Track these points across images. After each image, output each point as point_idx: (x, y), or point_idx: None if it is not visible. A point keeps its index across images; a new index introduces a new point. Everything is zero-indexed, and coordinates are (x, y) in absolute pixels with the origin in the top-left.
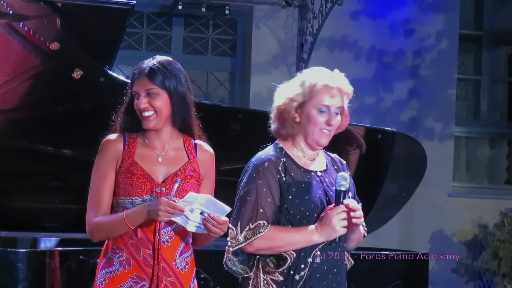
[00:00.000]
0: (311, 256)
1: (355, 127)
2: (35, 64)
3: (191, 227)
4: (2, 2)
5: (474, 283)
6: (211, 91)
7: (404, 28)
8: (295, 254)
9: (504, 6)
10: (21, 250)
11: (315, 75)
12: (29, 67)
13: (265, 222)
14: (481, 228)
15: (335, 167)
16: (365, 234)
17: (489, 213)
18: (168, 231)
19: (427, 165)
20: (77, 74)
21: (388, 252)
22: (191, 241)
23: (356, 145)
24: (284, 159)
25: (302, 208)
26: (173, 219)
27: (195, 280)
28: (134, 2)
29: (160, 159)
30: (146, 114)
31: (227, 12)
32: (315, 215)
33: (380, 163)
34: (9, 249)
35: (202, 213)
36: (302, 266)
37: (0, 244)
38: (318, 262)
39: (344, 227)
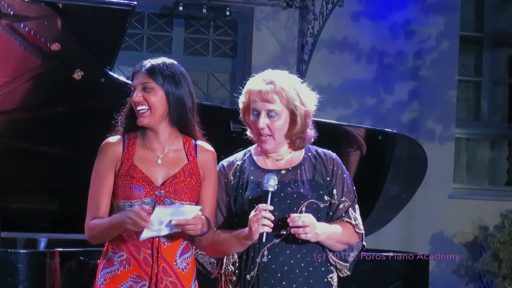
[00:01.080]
0: (259, 256)
1: (355, 128)
2: (36, 65)
3: (164, 233)
4: (2, 2)
5: (474, 285)
6: (211, 92)
7: (404, 30)
8: (236, 256)
9: (504, 8)
10: (22, 251)
11: (252, 79)
12: (29, 68)
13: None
14: (482, 230)
15: (315, 163)
16: (359, 231)
17: (490, 214)
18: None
19: (427, 166)
20: (78, 75)
21: (387, 253)
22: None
23: (357, 147)
24: (240, 162)
25: (245, 208)
26: (144, 235)
27: (196, 281)
28: (135, 3)
29: (159, 161)
30: (139, 108)
31: (227, 13)
32: None
33: (381, 165)
34: (9, 250)
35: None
36: (252, 266)
37: (0, 245)
38: (265, 261)
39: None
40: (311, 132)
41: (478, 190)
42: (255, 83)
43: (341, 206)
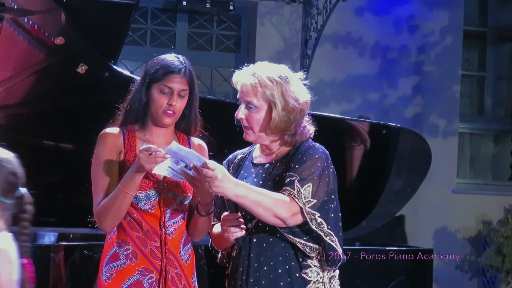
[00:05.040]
0: (233, 250)
1: (359, 122)
2: (40, 59)
3: (175, 176)
4: None
5: (478, 280)
6: (215, 87)
7: (408, 24)
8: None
9: (508, 3)
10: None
11: (239, 70)
12: (34, 62)
13: (215, 219)
14: (485, 225)
15: (289, 159)
16: (299, 202)
17: (493, 209)
18: (172, 223)
19: (431, 160)
20: (82, 69)
21: (390, 248)
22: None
23: (361, 141)
24: (241, 156)
25: (226, 201)
26: (156, 169)
27: (195, 273)
28: None
29: None
30: (170, 111)
31: (231, 8)
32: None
33: (385, 159)
34: None
35: (186, 166)
36: (230, 260)
37: None
38: (234, 256)
39: None
40: (307, 129)
41: (482, 185)
42: (239, 74)
43: (287, 180)
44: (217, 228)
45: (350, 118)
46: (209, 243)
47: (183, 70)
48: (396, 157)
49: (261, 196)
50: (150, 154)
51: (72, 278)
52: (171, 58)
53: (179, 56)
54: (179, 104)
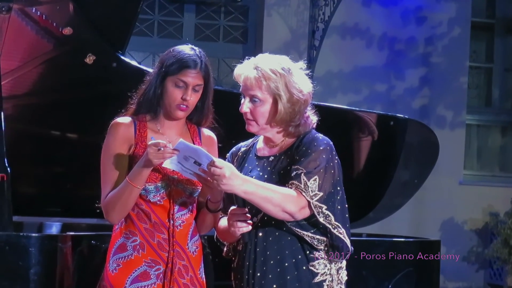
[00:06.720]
0: (240, 245)
1: (367, 113)
2: (48, 49)
3: (184, 172)
4: None
5: (484, 271)
6: (222, 78)
7: (416, 16)
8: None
9: None
10: (34, 235)
11: (243, 63)
12: (41, 52)
13: (221, 213)
14: (492, 216)
15: (294, 151)
16: (306, 196)
17: (500, 201)
18: (180, 216)
19: (439, 152)
20: (89, 59)
21: (398, 239)
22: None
23: (368, 132)
24: (245, 149)
25: (233, 195)
26: (166, 163)
27: (203, 264)
28: None
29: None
30: (183, 106)
31: None
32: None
33: (392, 150)
34: (21, 234)
35: (195, 162)
36: (236, 253)
37: (12, 229)
38: (240, 249)
39: None
40: (310, 119)
41: (489, 177)
42: (241, 67)
43: (293, 173)
44: (223, 222)
45: (357, 109)
46: (215, 236)
47: (199, 64)
48: (404, 149)
49: (269, 191)
50: (159, 149)
51: (80, 268)
52: (188, 51)
53: (196, 48)
54: (193, 99)
